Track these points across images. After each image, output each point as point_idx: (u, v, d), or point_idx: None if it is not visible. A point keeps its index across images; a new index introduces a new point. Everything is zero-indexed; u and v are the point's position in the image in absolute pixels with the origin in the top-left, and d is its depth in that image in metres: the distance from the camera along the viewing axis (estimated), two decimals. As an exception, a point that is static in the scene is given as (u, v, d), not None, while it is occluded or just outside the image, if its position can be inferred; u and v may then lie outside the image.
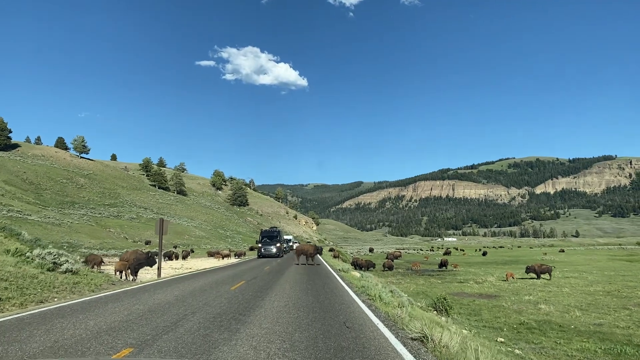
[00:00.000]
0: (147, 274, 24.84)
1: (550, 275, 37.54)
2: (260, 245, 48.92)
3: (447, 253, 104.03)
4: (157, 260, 21.47)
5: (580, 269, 50.65)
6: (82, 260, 26.32)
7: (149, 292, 12.47)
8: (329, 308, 9.51)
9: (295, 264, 31.92)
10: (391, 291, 14.70)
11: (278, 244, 47.95)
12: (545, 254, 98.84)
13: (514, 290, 30.17)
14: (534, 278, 37.64)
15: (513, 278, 37.11)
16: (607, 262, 64.44)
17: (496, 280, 37.43)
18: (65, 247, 60.22)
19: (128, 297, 11.46)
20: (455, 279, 38.59)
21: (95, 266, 26.21)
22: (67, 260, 17.74)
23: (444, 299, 16.26)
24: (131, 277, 20.56)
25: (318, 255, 40.18)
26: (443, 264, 54.42)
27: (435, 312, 16.02)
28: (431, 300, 16.72)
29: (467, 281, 36.60)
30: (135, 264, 20.16)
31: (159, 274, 21.00)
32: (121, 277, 20.91)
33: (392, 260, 60.90)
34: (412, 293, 26.97)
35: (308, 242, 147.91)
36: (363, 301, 10.80)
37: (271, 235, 49.70)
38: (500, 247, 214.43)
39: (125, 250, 56.08)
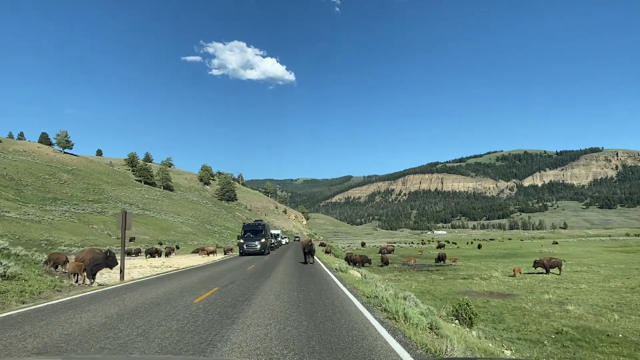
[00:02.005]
0: (117, 276, 21.54)
1: (560, 269, 34.82)
2: (242, 241, 43.18)
3: (440, 246, 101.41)
4: (118, 260, 18.14)
5: (585, 262, 48.16)
6: (44, 259, 23.09)
7: (78, 309, 9.12)
8: (335, 341, 6.01)
9: (285, 262, 28.74)
10: (405, 298, 11.58)
11: (263, 240, 42.45)
12: (542, 245, 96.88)
13: (526, 287, 27.30)
14: (542, 273, 34.86)
15: (521, 273, 34.30)
16: (608, 254, 62.21)
17: (502, 275, 34.66)
18: (43, 245, 56.79)
19: (41, 317, 8.06)
20: (458, 275, 35.68)
21: (60, 266, 22.88)
22: (1, 263, 14.40)
23: (467, 304, 13.18)
24: (88, 281, 17.27)
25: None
26: (441, 258, 51.59)
27: (457, 321, 12.96)
28: (452, 307, 13.60)
29: (471, 277, 33.72)
30: (91, 265, 16.83)
31: (121, 277, 17.71)
32: (77, 281, 17.61)
33: (384, 255, 58.00)
34: (416, 292, 23.91)
35: (297, 237, 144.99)
36: (381, 321, 7.61)
37: (255, 230, 44.27)
38: (491, 239, 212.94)
39: (82, 248, 52.42)
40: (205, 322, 7.71)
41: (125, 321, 7.72)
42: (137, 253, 52.11)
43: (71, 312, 8.66)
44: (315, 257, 31.85)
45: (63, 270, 22.74)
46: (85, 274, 17.11)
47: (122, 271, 17.76)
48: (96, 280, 17.97)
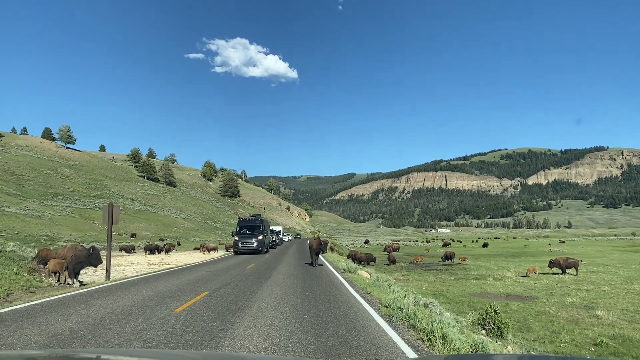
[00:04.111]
0: (112, 274, 19.91)
1: (577, 270, 33.08)
2: (237, 238, 38.70)
3: (446, 245, 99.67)
4: (102, 258, 16.52)
5: (599, 261, 46.43)
6: (32, 255, 21.71)
7: (27, 321, 7.37)
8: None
9: (287, 261, 27.07)
10: (427, 305, 9.92)
11: (261, 237, 38.18)
12: (550, 245, 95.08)
13: (545, 289, 25.61)
14: (557, 273, 33.14)
15: (535, 273, 32.58)
16: (621, 254, 60.45)
17: (515, 275, 32.96)
18: (42, 241, 55.58)
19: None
20: (469, 275, 33.98)
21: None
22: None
23: (495, 312, 11.52)
24: (70, 280, 15.66)
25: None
26: (448, 257, 49.85)
27: (484, 331, 11.31)
28: (477, 315, 11.95)
29: (484, 277, 32.02)
30: (73, 263, 15.21)
31: (107, 276, 16.12)
32: (58, 280, 16.01)
33: (390, 253, 56.32)
34: (427, 293, 22.28)
35: (298, 234, 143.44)
36: (412, 344, 5.79)
37: (252, 225, 39.99)
38: (496, 238, 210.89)
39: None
40: (180, 344, 5.94)
41: (76, 341, 6.01)
42: (130, 250, 50.43)
43: (14, 326, 6.95)
44: (321, 257, 28.74)
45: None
46: (66, 272, 15.50)
47: (107, 270, 16.15)
48: (80, 279, 16.40)
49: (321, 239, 26.56)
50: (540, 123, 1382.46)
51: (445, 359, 3.56)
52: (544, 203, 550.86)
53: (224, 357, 3.64)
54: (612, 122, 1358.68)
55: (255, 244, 37.38)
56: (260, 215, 46.09)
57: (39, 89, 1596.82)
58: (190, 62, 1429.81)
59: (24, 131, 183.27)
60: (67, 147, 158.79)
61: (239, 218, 45.42)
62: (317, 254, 25.07)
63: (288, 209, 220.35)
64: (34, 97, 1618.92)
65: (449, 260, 49.15)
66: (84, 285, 15.06)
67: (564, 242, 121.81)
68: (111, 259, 17.93)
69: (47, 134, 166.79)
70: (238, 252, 37.73)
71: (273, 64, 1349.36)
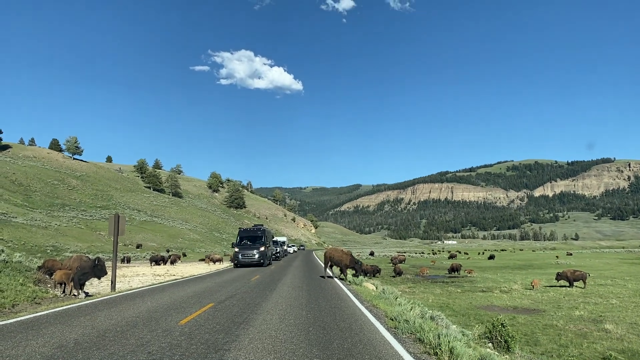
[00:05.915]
0: (118, 285, 19.88)
1: (584, 283, 32.72)
2: (237, 249, 36.51)
3: (452, 256, 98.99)
4: (107, 269, 16.53)
5: (606, 274, 45.89)
6: (38, 265, 21.85)
7: (32, 332, 7.35)
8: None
9: (292, 272, 26.85)
10: (432, 318, 9.84)
11: (262, 248, 36.15)
12: (558, 257, 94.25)
13: (552, 301, 25.32)
14: (565, 286, 32.80)
15: (538, 286, 32.28)
16: (629, 267, 59.73)
17: (522, 288, 32.61)
18: (49, 251, 55.85)
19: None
20: (476, 287, 33.66)
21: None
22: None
23: (502, 325, 11.42)
24: (75, 291, 15.68)
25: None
26: (454, 269, 49.42)
27: (491, 344, 11.22)
28: (484, 328, 11.83)
29: (490, 290, 31.70)
30: (79, 274, 15.23)
31: (112, 287, 16.11)
32: (64, 291, 16.03)
33: (397, 265, 55.93)
34: (433, 306, 22.09)
35: (302, 246, 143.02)
36: (418, 358, 5.78)
37: (253, 236, 37.82)
38: (502, 250, 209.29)
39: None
40: (185, 356, 5.95)
41: (80, 354, 5.98)
42: (126, 261, 50.39)
43: (19, 337, 6.96)
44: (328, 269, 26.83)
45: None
46: (72, 283, 15.53)
47: (112, 281, 16.16)
48: (85, 290, 16.42)
49: (344, 251, 24.94)
50: (547, 135, 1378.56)
51: None
52: (551, 215, 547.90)
53: None
54: (618, 133, 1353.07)
55: (256, 256, 35.60)
56: (262, 225, 44.12)
57: (46, 101, 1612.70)
58: (196, 74, 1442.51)
59: (32, 142, 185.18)
60: (74, 158, 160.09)
61: (240, 228, 43.11)
62: (344, 269, 23.61)
63: (293, 220, 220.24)
64: (41, 109, 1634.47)
65: (456, 273, 48.75)
66: (89, 296, 15.07)
67: (571, 254, 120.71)
68: (116, 270, 17.96)
69: (55, 145, 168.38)
70: (238, 265, 36.13)
71: (278, 76, 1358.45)
